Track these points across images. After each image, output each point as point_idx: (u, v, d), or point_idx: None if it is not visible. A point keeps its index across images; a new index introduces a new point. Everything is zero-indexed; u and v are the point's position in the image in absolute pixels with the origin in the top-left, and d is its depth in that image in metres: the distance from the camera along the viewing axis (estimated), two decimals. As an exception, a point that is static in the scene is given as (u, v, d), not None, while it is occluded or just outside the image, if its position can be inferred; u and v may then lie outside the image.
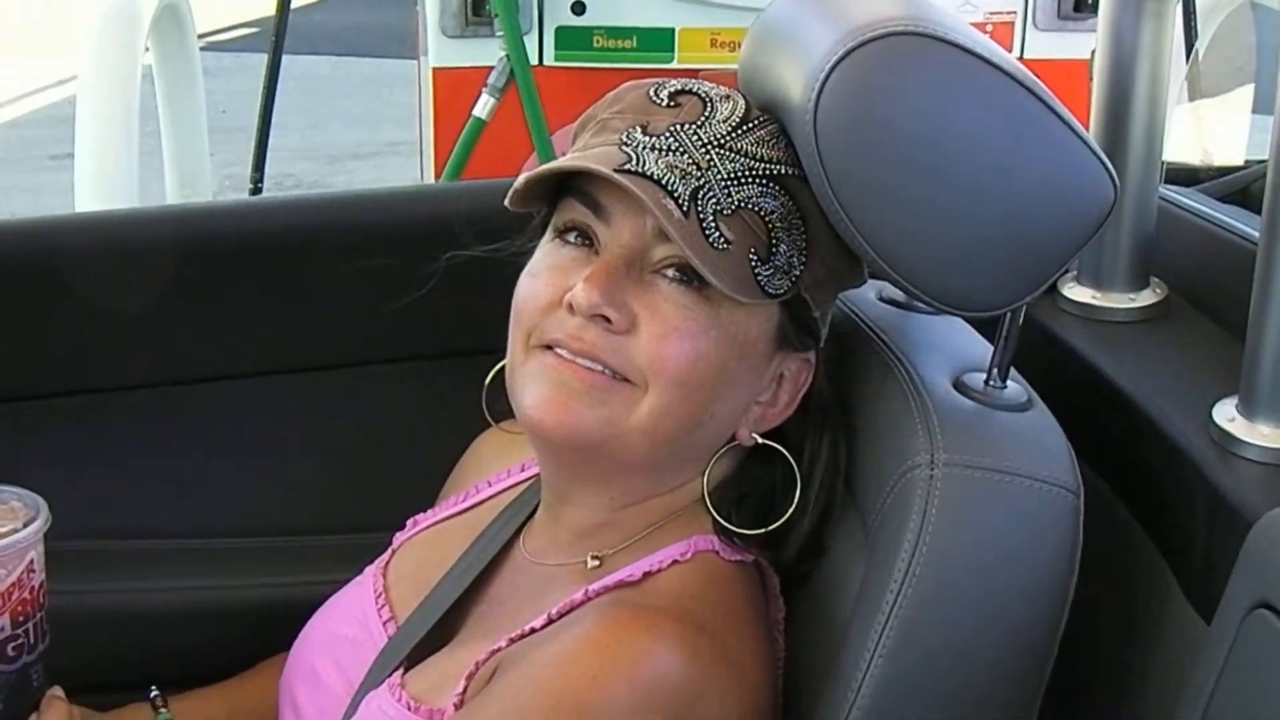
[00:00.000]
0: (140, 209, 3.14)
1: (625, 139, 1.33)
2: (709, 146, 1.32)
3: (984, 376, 1.35)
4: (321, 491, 2.00)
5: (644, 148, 1.32)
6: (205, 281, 1.96)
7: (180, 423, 1.98)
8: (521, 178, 1.35)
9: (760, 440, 1.40)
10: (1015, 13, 3.65)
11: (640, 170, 1.29)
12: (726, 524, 1.38)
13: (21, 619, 1.42)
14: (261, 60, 3.87)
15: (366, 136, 7.85)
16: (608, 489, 1.41)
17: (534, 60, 3.52)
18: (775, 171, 1.33)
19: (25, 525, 1.42)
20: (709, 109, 1.35)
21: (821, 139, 1.24)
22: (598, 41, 3.58)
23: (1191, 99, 2.57)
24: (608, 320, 1.31)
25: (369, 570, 1.60)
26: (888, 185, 1.25)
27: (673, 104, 1.35)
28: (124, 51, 4.06)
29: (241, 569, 1.93)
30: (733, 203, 1.30)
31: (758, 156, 1.33)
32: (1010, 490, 1.25)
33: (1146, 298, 1.63)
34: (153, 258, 1.95)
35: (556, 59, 3.56)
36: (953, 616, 1.24)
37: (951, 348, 1.43)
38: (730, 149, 1.32)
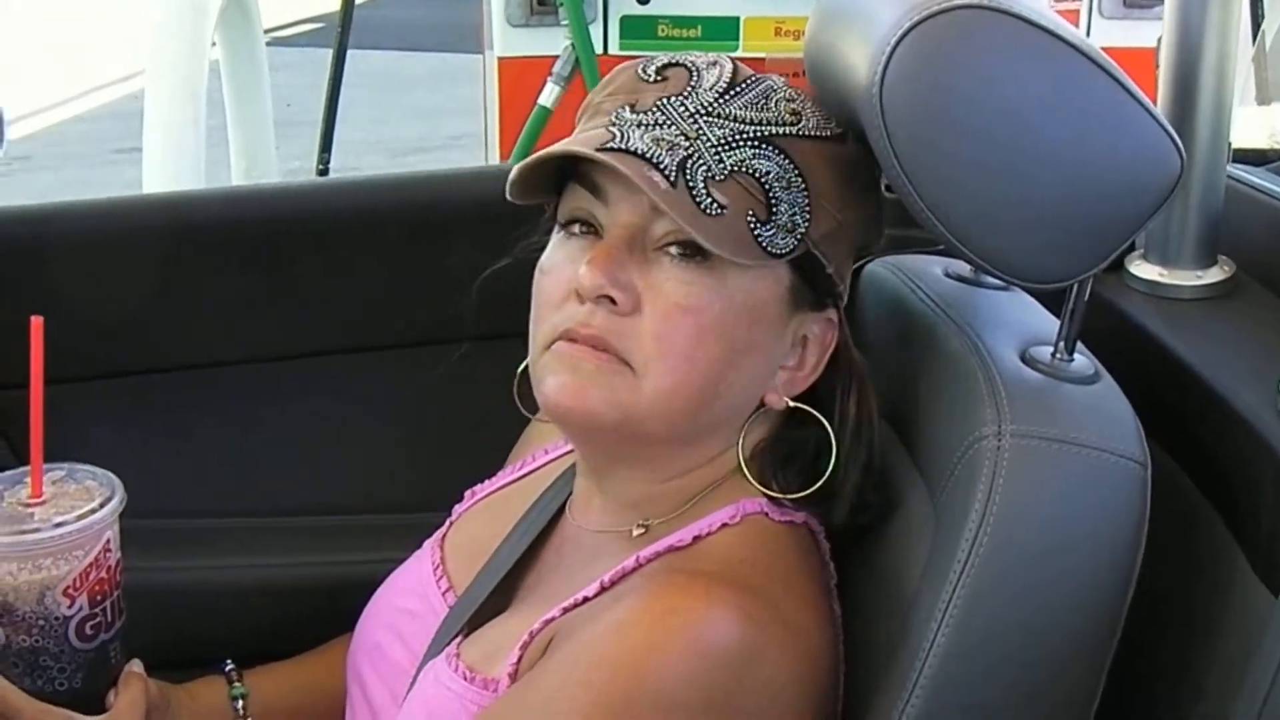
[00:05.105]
0: (204, 190, 3.18)
1: (614, 119, 1.34)
2: (696, 115, 1.33)
3: (1051, 349, 1.35)
4: (385, 470, 2.03)
5: (631, 125, 1.33)
6: (270, 261, 1.99)
7: (248, 402, 2.01)
8: (514, 170, 1.35)
9: (792, 403, 1.40)
10: (1081, 1, 3.64)
11: (624, 146, 1.30)
12: (767, 490, 1.38)
13: (99, 598, 1.44)
14: (326, 55, 3.89)
15: (430, 130, 7.90)
16: (644, 465, 1.41)
17: (599, 49, 3.53)
18: (766, 133, 1.33)
19: (102, 505, 1.44)
20: (695, 78, 1.36)
21: (888, 114, 1.24)
22: (662, 30, 3.59)
23: (1258, 83, 2.56)
24: (613, 302, 1.32)
25: (428, 544, 1.62)
26: (954, 159, 1.25)
27: (660, 79, 1.37)
28: (191, 46, 4.10)
29: (309, 546, 1.96)
30: (725, 168, 1.31)
31: (747, 120, 1.33)
32: (1078, 461, 1.25)
33: (1214, 275, 1.63)
34: (220, 238, 1.98)
35: (621, 48, 3.57)
36: (1020, 586, 1.24)
37: (1019, 322, 1.43)
38: (718, 115, 1.33)
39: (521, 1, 3.58)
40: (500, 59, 3.64)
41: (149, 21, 4.22)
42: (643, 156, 1.29)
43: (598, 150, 1.30)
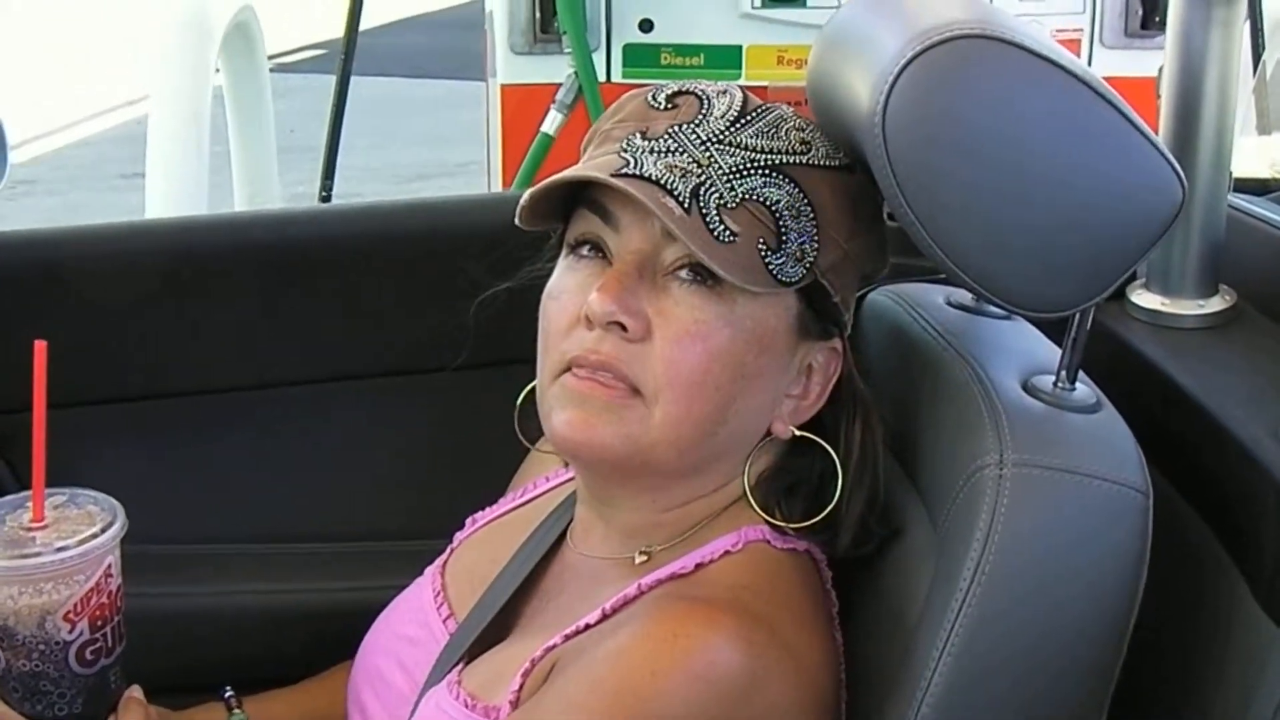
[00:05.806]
0: (207, 215, 3.18)
1: (625, 146, 1.34)
2: (708, 143, 1.33)
3: (1053, 378, 1.35)
4: (387, 496, 2.03)
5: (643, 152, 1.33)
6: (272, 287, 2.00)
7: (250, 428, 2.01)
8: (526, 194, 1.35)
9: (797, 432, 1.40)
10: (1082, 30, 3.65)
11: (638, 173, 1.31)
12: (770, 518, 1.38)
13: (99, 623, 1.43)
14: (329, 82, 3.90)
15: (433, 157, 7.91)
16: (649, 495, 1.41)
17: (602, 77, 3.54)
18: (776, 161, 1.34)
19: (103, 530, 1.43)
20: (705, 106, 1.36)
21: (890, 143, 1.24)
22: (665, 58, 3.60)
23: (1259, 113, 2.56)
24: (624, 328, 1.32)
25: (429, 570, 1.62)
26: (957, 187, 1.25)
27: (670, 106, 1.37)
28: (195, 72, 4.11)
29: (311, 572, 1.96)
30: (736, 196, 1.31)
31: (758, 148, 1.34)
32: (1079, 490, 1.25)
33: (1215, 304, 1.63)
34: (223, 263, 1.98)
35: (624, 76, 3.57)
36: (1022, 615, 1.24)
37: (1020, 351, 1.43)
38: (729, 143, 1.34)
39: (524, 29, 3.59)
40: (503, 86, 3.66)
41: (153, 47, 4.23)
42: (656, 183, 1.30)
43: (612, 176, 1.30)
